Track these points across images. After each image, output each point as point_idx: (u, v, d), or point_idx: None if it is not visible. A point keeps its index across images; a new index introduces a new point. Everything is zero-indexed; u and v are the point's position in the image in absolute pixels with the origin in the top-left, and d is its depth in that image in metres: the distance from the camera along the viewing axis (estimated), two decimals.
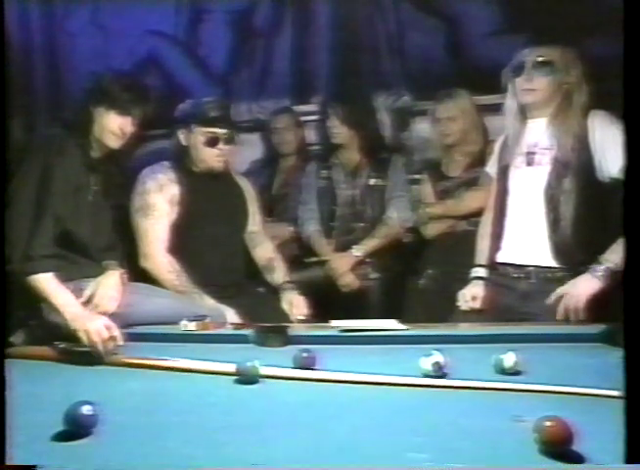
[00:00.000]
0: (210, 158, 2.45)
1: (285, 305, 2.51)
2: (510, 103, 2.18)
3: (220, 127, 2.43)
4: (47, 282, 1.92)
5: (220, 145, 2.44)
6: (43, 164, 2.06)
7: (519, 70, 2.12)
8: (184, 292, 2.34)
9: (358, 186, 2.94)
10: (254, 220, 2.67)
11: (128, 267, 2.22)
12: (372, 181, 2.94)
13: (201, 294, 2.36)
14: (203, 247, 2.44)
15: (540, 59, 2.09)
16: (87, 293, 2.05)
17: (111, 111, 2.16)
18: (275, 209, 3.14)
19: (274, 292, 2.58)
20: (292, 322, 2.34)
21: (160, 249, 2.40)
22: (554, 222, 2.10)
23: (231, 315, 2.29)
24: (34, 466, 0.94)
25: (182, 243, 2.42)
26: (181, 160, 2.51)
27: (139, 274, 2.32)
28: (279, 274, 2.62)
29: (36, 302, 1.95)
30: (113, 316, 2.00)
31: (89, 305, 2.02)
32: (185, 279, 2.37)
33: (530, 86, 2.10)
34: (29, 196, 2.01)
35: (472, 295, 2.26)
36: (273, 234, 2.87)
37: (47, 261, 1.96)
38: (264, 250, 2.66)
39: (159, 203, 2.41)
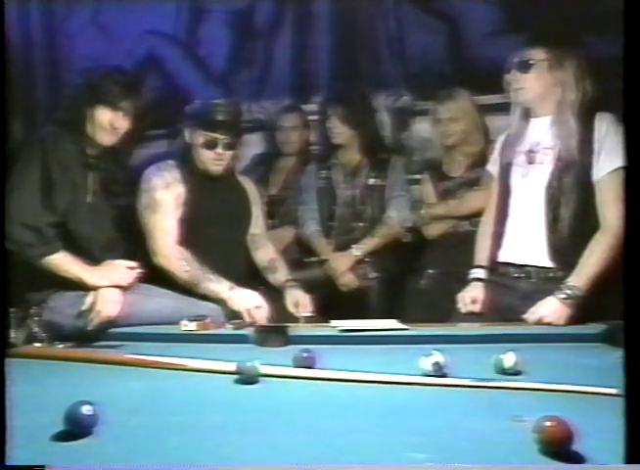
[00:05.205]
0: (208, 160, 2.42)
1: (289, 304, 2.49)
2: (514, 101, 2.19)
3: (221, 132, 2.38)
4: (61, 260, 2.07)
5: (219, 149, 2.40)
6: (43, 158, 2.08)
7: (508, 69, 2.14)
8: (197, 277, 2.31)
9: (358, 186, 2.94)
10: (257, 223, 2.65)
11: (140, 267, 2.21)
12: (371, 181, 2.94)
13: (217, 277, 2.32)
14: (206, 247, 2.43)
15: (523, 59, 2.10)
16: (89, 300, 2.05)
17: (100, 105, 2.15)
18: (277, 211, 3.13)
19: (276, 291, 2.57)
20: (295, 321, 2.33)
21: (170, 241, 2.37)
22: (552, 222, 2.10)
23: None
24: (34, 466, 0.94)
25: (186, 242, 2.40)
26: (186, 159, 2.48)
27: (152, 273, 2.28)
28: (282, 274, 2.59)
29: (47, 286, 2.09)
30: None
31: (92, 311, 2.02)
32: (197, 265, 2.33)
33: (517, 85, 2.12)
34: (34, 186, 2.06)
35: (471, 298, 2.24)
36: (276, 237, 2.87)
37: (58, 242, 2.08)
38: (266, 251, 2.63)
39: (165, 199, 2.39)
